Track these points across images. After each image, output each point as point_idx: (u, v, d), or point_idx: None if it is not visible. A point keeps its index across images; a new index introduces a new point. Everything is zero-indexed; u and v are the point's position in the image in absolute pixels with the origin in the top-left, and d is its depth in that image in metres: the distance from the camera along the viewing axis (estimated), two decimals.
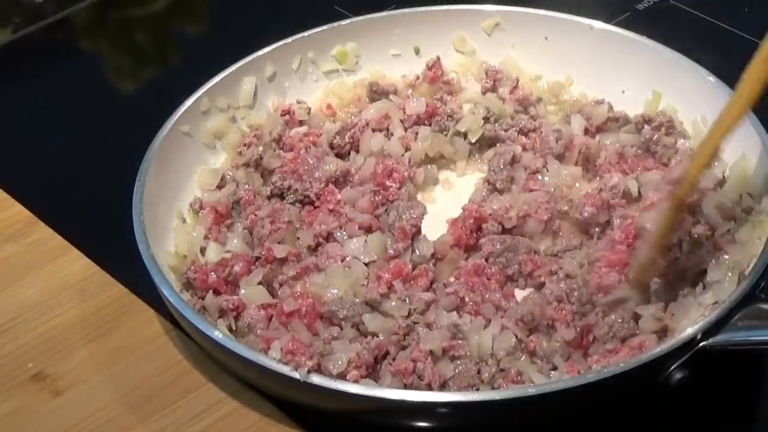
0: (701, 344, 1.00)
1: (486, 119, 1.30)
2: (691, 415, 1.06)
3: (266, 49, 1.33)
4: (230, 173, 1.25)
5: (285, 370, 0.99)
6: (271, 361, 1.00)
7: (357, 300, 1.09)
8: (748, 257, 1.07)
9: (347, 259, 1.13)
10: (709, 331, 1.00)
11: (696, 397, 1.06)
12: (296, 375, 0.99)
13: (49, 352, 1.12)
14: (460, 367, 1.03)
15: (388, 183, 1.21)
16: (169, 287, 1.07)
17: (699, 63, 1.25)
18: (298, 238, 1.16)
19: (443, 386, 1.02)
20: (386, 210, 1.18)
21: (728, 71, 1.23)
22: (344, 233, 1.16)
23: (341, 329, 1.06)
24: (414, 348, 1.04)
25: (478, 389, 1.02)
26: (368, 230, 1.17)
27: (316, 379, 0.99)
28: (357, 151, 1.28)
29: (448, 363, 1.03)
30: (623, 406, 1.03)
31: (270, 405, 1.06)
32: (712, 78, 1.23)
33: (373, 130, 1.28)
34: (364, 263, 1.13)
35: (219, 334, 1.03)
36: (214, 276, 1.11)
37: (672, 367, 1.01)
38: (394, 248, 1.14)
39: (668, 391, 1.03)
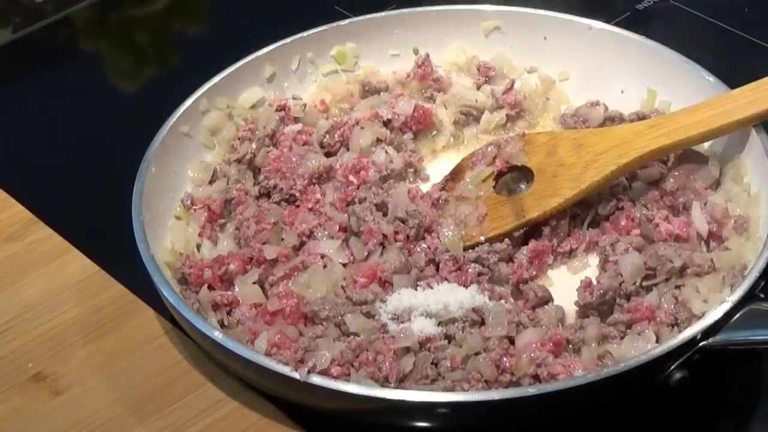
0: (701, 344, 1.00)
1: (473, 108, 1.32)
2: (691, 415, 1.06)
3: (265, 50, 1.32)
4: (218, 167, 1.25)
5: (285, 370, 0.99)
6: (271, 361, 1.01)
7: (339, 300, 1.09)
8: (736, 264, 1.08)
9: (326, 258, 1.14)
10: (709, 331, 1.00)
11: (696, 397, 1.06)
12: (296, 375, 0.99)
13: (49, 352, 1.12)
14: (418, 363, 1.03)
15: (351, 178, 1.22)
16: (169, 287, 1.07)
17: (699, 63, 1.25)
18: (283, 239, 1.16)
19: (402, 381, 1.02)
20: (353, 211, 1.18)
21: (728, 71, 1.23)
22: (324, 232, 1.17)
23: (325, 328, 1.07)
24: (381, 342, 1.04)
25: (434, 381, 1.02)
26: (346, 230, 1.17)
27: (316, 379, 0.99)
28: (348, 149, 1.28)
29: (411, 358, 1.03)
30: (623, 406, 1.03)
31: (270, 405, 1.06)
32: (711, 78, 1.23)
33: (362, 128, 1.28)
34: (342, 264, 1.14)
35: (219, 334, 1.03)
36: (210, 272, 1.12)
37: (672, 367, 1.01)
38: (366, 250, 1.14)
39: (668, 391, 1.03)
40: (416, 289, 1.10)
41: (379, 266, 1.12)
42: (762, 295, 1.04)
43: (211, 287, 1.12)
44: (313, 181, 1.22)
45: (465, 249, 1.15)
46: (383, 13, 1.38)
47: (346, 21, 1.36)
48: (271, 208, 1.20)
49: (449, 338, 1.06)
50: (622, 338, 1.05)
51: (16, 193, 1.30)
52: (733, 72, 1.24)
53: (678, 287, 1.09)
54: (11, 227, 1.26)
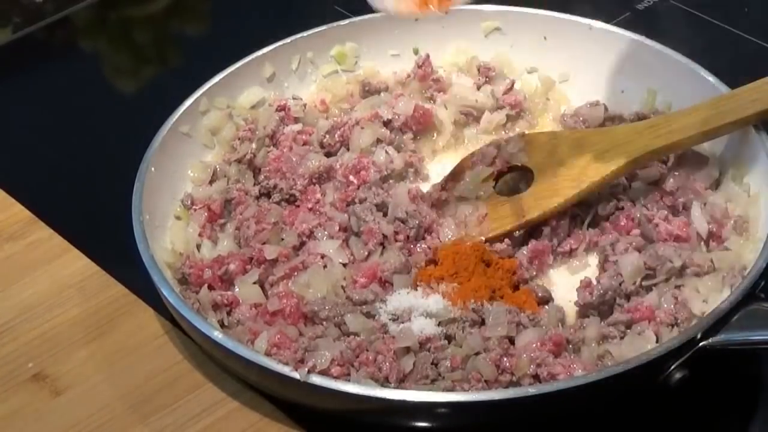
0: (701, 344, 1.00)
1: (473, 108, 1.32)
2: (691, 415, 1.06)
3: (265, 50, 1.32)
4: (219, 166, 1.25)
5: (285, 370, 0.99)
6: (271, 361, 1.01)
7: (339, 300, 1.09)
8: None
9: (326, 258, 1.14)
10: (709, 331, 1.00)
11: (696, 397, 1.06)
12: (296, 375, 0.99)
13: (49, 352, 1.12)
14: (418, 363, 1.03)
15: (351, 178, 1.22)
16: (169, 287, 1.07)
17: (699, 63, 1.25)
18: (283, 239, 1.16)
19: (402, 381, 1.02)
20: (353, 211, 1.17)
21: (728, 71, 1.23)
22: (324, 232, 1.17)
23: (325, 328, 1.07)
24: (381, 342, 1.04)
25: (434, 381, 1.02)
26: (346, 230, 1.17)
27: (316, 379, 0.99)
28: (348, 149, 1.28)
29: (411, 358, 1.03)
30: (623, 406, 1.03)
31: (270, 405, 1.06)
32: (711, 78, 1.23)
33: (363, 128, 1.28)
34: (342, 264, 1.14)
35: (219, 334, 1.03)
36: (210, 272, 1.12)
37: (672, 367, 1.01)
38: (366, 250, 1.14)
39: (668, 391, 1.03)
40: (416, 289, 1.11)
41: (379, 266, 1.12)
42: (762, 295, 1.04)
43: (211, 287, 1.12)
44: (313, 181, 1.22)
45: None
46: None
47: (346, 21, 1.36)
48: (271, 208, 1.20)
49: (449, 338, 1.06)
50: (622, 338, 1.05)
51: (16, 193, 1.30)
52: (733, 72, 1.24)
53: (678, 287, 1.09)
54: (11, 227, 1.26)
